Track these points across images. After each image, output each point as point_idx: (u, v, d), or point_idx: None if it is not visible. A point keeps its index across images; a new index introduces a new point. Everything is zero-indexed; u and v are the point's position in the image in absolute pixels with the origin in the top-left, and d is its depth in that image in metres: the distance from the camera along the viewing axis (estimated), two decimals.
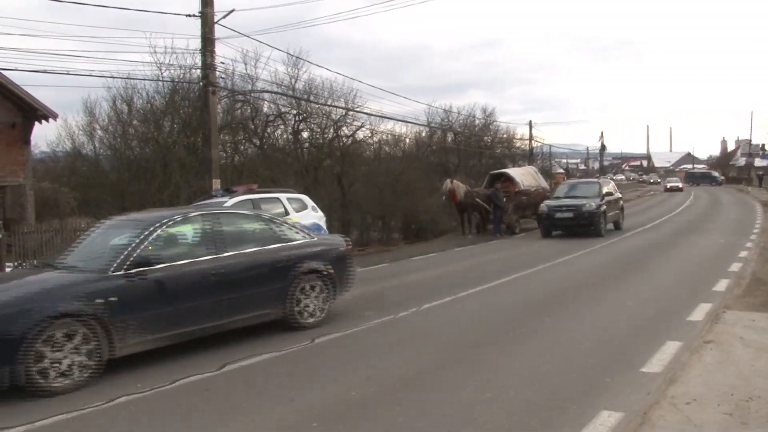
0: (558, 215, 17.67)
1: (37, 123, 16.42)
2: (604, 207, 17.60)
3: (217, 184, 13.80)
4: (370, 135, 25.11)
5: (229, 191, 12.02)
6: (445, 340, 6.63)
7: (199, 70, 15.48)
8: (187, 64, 18.36)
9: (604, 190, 18.55)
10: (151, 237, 6.20)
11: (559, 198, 18.71)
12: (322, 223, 12.58)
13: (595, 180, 21.85)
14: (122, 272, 5.79)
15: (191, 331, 6.24)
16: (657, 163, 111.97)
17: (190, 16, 13.75)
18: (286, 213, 11.72)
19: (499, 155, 37.35)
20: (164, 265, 6.09)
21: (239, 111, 20.75)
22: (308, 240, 7.66)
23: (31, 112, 15.98)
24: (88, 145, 20.63)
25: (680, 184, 55.75)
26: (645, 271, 11.10)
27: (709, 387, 4.70)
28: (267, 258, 7.03)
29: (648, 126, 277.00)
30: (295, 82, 21.54)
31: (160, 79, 18.50)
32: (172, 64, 18.43)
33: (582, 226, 17.34)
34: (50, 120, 16.63)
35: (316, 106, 21.85)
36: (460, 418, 4.34)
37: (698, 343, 5.92)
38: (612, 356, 5.74)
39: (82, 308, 5.38)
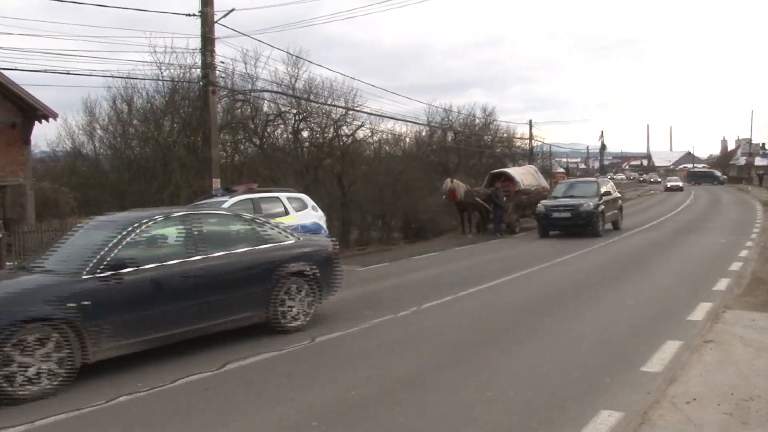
0: (555, 215, 17.55)
1: (37, 123, 16.38)
2: (602, 207, 17.47)
3: (217, 183, 13.79)
4: (370, 134, 25.12)
5: (229, 191, 12.00)
6: (445, 340, 6.63)
7: (199, 70, 15.46)
8: (187, 63, 18.37)
9: (602, 189, 18.37)
10: (128, 238, 6.00)
11: (556, 198, 18.56)
12: (323, 222, 12.56)
13: (593, 179, 21.77)
14: (96, 275, 5.60)
15: (170, 335, 6.04)
16: (657, 163, 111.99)
17: (190, 15, 13.74)
18: (286, 212, 11.70)
19: (499, 154, 37.35)
20: (141, 267, 5.89)
21: (239, 110, 20.72)
22: (293, 241, 7.43)
23: (31, 111, 15.95)
24: (88, 144, 20.66)
25: (680, 184, 55.69)
26: (645, 270, 11.09)
27: (709, 386, 4.70)
28: (250, 260, 6.83)
29: (648, 125, 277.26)
30: (295, 81, 21.53)
31: (160, 78, 18.52)
32: (172, 64, 18.43)
33: (579, 226, 17.24)
34: (50, 120, 16.60)
35: (316, 105, 21.83)
36: (460, 418, 4.34)
37: (698, 343, 5.93)
38: (612, 356, 5.74)
39: (54, 312, 5.19)
